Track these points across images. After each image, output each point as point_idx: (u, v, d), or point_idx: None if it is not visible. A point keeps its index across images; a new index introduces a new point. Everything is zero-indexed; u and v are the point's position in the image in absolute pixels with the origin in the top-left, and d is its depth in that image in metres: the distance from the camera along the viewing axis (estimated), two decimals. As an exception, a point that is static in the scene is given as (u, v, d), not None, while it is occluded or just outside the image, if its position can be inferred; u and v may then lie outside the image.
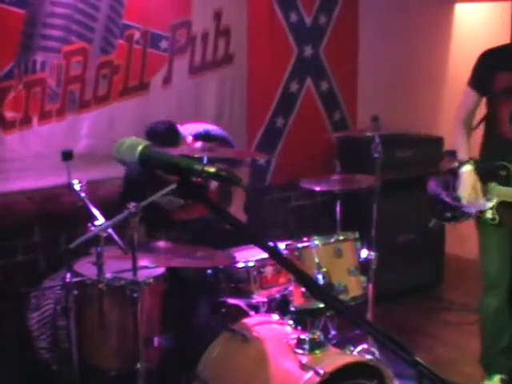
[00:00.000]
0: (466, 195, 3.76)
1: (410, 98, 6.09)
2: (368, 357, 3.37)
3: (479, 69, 3.86)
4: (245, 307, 3.55)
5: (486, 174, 3.78)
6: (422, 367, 1.40)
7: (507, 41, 5.53)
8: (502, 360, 3.99)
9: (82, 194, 3.43)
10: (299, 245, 3.41)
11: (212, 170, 1.38)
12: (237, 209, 4.09)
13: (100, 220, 3.24)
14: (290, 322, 3.43)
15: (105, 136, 4.36)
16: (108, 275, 3.24)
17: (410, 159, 5.52)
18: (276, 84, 5.34)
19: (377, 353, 3.76)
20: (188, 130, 4.05)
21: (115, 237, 3.22)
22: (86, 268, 3.33)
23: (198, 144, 3.27)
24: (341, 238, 3.49)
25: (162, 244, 3.46)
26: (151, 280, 3.32)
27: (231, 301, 3.57)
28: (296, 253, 3.39)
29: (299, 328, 3.36)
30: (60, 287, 3.44)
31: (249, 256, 3.51)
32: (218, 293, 3.57)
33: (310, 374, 2.99)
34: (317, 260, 3.35)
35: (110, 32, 4.46)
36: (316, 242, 3.40)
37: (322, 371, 2.97)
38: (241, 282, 3.47)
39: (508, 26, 5.76)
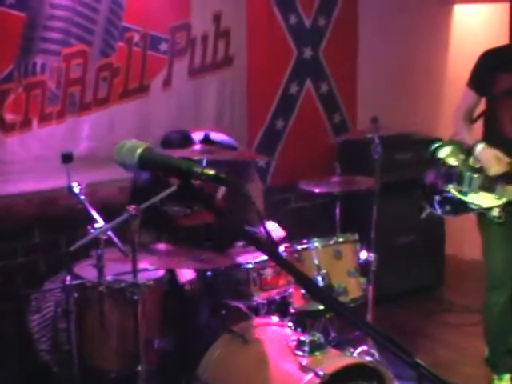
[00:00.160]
0: (496, 169, 3.69)
1: (409, 100, 6.09)
2: (368, 358, 3.37)
3: (479, 69, 3.84)
4: (245, 309, 3.56)
5: None
6: (422, 369, 1.40)
7: (506, 42, 5.55)
8: (510, 359, 3.98)
9: (82, 197, 3.43)
10: (299, 247, 3.42)
11: (211, 172, 1.38)
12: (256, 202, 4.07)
13: (100, 222, 3.24)
14: (290, 323, 3.43)
15: (105, 138, 4.36)
16: (108, 277, 3.24)
17: (410, 161, 5.52)
18: (276, 86, 5.34)
19: (377, 354, 3.76)
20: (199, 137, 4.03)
21: (115, 239, 3.22)
22: (86, 270, 3.33)
23: (198, 147, 3.28)
24: (340, 239, 3.50)
25: (162, 246, 3.46)
26: (151, 282, 3.33)
27: (231, 303, 3.57)
28: (296, 255, 3.40)
29: (299, 330, 3.37)
30: (60, 290, 3.44)
31: (249, 258, 3.51)
32: (218, 295, 3.57)
33: (310, 375, 3.00)
34: (316, 262, 3.36)
35: (109, 34, 4.47)
36: (316, 244, 3.41)
37: (321, 373, 2.97)
38: (241, 284, 3.47)
39: (506, 27, 5.77)
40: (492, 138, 3.83)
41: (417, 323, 5.09)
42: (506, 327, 3.94)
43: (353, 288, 3.44)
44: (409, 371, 1.45)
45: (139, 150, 1.48)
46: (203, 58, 4.90)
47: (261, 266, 3.44)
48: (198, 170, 1.39)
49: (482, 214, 3.80)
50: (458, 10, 6.37)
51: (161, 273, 3.45)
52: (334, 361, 3.12)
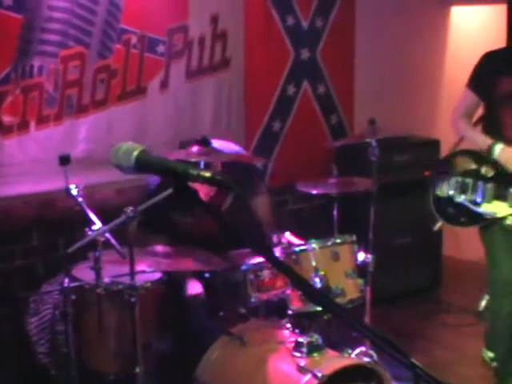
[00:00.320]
0: None
1: (406, 101, 6.10)
2: (366, 359, 3.39)
3: (480, 71, 3.78)
4: (243, 311, 3.56)
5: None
6: (418, 369, 1.41)
7: (503, 43, 5.56)
8: None
9: (80, 199, 3.44)
10: (296, 248, 3.42)
11: (207, 174, 1.39)
12: (264, 215, 4.09)
13: (97, 224, 3.25)
14: (288, 325, 3.44)
15: (103, 140, 4.36)
16: (106, 280, 3.25)
17: (407, 162, 5.53)
18: (273, 87, 5.35)
19: (375, 355, 3.77)
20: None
21: (113, 241, 3.22)
22: (84, 273, 3.33)
23: (195, 148, 3.28)
24: (338, 241, 3.50)
25: (159, 248, 3.46)
26: (149, 284, 3.33)
27: (229, 304, 3.57)
28: (293, 256, 3.40)
29: (297, 331, 3.37)
30: (58, 292, 3.44)
31: (247, 260, 3.51)
32: (216, 296, 3.58)
33: (308, 376, 3.01)
34: (314, 263, 3.36)
35: (107, 36, 4.47)
36: (313, 246, 3.41)
37: (320, 374, 2.98)
38: (238, 286, 3.47)
39: (503, 29, 5.78)
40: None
41: (414, 324, 5.09)
42: None
43: (350, 289, 3.44)
44: (406, 372, 1.46)
45: (135, 153, 1.49)
46: (200, 61, 4.90)
47: (258, 267, 3.45)
48: (194, 172, 1.39)
49: (485, 226, 3.76)
50: (456, 11, 6.38)
51: (158, 275, 3.45)
52: (332, 362, 3.12)
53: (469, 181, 3.77)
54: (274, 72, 5.34)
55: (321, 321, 3.39)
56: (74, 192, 3.46)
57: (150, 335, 3.34)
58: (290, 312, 3.40)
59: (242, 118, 5.20)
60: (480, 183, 3.74)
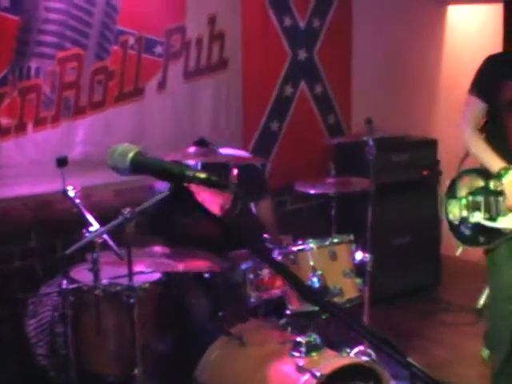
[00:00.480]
0: None
1: (404, 101, 6.11)
2: (364, 358, 3.38)
3: (484, 75, 3.62)
4: (242, 311, 3.56)
5: None
6: (414, 368, 1.41)
7: (500, 42, 5.57)
8: None
9: (77, 201, 3.44)
10: (294, 248, 3.42)
11: (203, 175, 1.39)
12: (267, 218, 4.11)
13: (95, 226, 3.25)
14: (287, 325, 3.44)
15: (100, 142, 4.36)
16: (104, 281, 3.25)
17: (405, 162, 5.53)
18: (270, 88, 5.35)
19: (373, 354, 3.76)
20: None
21: (110, 242, 3.22)
22: (82, 274, 3.33)
23: (192, 149, 3.28)
24: (336, 240, 3.50)
25: (158, 249, 3.47)
26: (147, 285, 3.33)
27: (228, 304, 3.58)
28: (291, 256, 3.40)
29: (296, 331, 3.37)
30: (57, 294, 3.44)
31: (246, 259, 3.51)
32: (216, 296, 3.58)
33: (307, 376, 3.01)
34: (312, 263, 3.37)
35: (104, 38, 4.47)
36: (311, 245, 3.41)
37: (318, 373, 2.98)
38: (238, 285, 3.48)
39: (500, 28, 5.78)
40: (498, 150, 3.59)
41: (413, 323, 5.10)
42: None
43: (348, 289, 3.44)
44: (406, 371, 1.46)
45: (131, 154, 1.49)
46: (198, 61, 4.90)
47: (258, 266, 3.45)
48: (189, 173, 1.39)
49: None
50: (452, 10, 6.39)
51: (157, 275, 3.45)
52: (331, 361, 3.12)
53: (480, 199, 3.63)
54: (272, 72, 5.35)
55: (319, 320, 3.39)
56: (72, 194, 3.46)
57: (149, 336, 3.33)
58: (288, 312, 3.40)
59: (239, 118, 5.20)
60: (491, 199, 3.60)
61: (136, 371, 3.10)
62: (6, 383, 4.03)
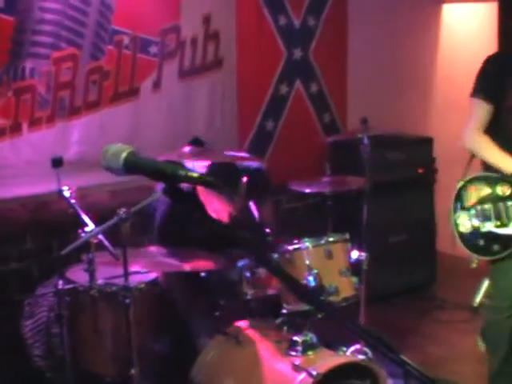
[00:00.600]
0: None
1: (400, 99, 6.11)
2: (361, 357, 3.38)
3: (489, 76, 3.53)
4: (238, 309, 3.56)
5: None
6: (408, 366, 1.41)
7: (495, 40, 5.57)
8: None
9: (73, 201, 3.44)
10: (290, 247, 3.42)
11: (195, 175, 1.39)
12: (267, 217, 4.11)
13: (90, 226, 3.25)
14: (283, 324, 3.44)
15: (95, 142, 4.36)
16: (100, 281, 3.25)
17: (401, 160, 5.53)
18: (266, 87, 5.35)
19: (370, 353, 3.76)
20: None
21: (106, 243, 3.22)
22: (78, 275, 3.33)
23: (187, 148, 3.28)
24: (331, 239, 3.50)
25: (154, 249, 3.47)
26: (143, 285, 3.33)
27: (225, 303, 3.58)
28: (287, 255, 3.41)
29: (292, 330, 3.37)
30: (53, 294, 3.44)
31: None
32: (212, 295, 3.58)
33: (303, 375, 3.01)
34: (308, 262, 3.37)
35: (99, 37, 4.47)
36: (307, 244, 3.41)
37: (314, 372, 2.98)
38: (234, 283, 3.47)
39: (495, 26, 5.79)
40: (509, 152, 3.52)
41: (409, 321, 5.10)
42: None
43: (344, 287, 3.44)
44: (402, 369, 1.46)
45: (124, 154, 1.49)
46: (193, 61, 4.90)
47: (254, 264, 3.45)
48: (182, 172, 1.39)
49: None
50: (447, 9, 6.39)
51: (153, 275, 3.45)
52: (327, 360, 3.13)
53: (488, 207, 3.54)
54: (267, 71, 5.34)
55: (315, 319, 3.39)
56: (67, 194, 3.46)
57: (145, 336, 3.33)
58: (284, 311, 3.40)
59: (235, 117, 5.20)
60: (500, 205, 3.53)
61: (133, 371, 3.09)
62: (4, 383, 4.02)
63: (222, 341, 3.39)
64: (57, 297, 3.19)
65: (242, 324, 3.47)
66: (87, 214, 3.36)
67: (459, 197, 3.65)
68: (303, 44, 5.53)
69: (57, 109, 4.32)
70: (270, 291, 3.50)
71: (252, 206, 4.04)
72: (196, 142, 3.50)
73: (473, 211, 3.58)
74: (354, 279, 3.52)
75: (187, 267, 3.41)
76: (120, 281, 3.11)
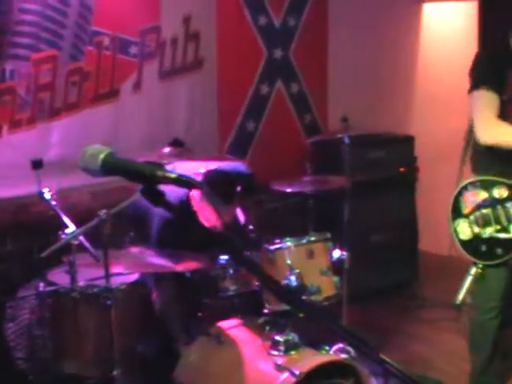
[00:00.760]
0: None
1: (380, 98, 6.13)
2: (344, 356, 3.39)
3: (487, 67, 3.47)
4: (221, 308, 3.56)
5: None
6: (387, 365, 1.42)
7: (475, 39, 5.60)
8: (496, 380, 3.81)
9: (53, 203, 3.43)
10: (271, 247, 3.43)
11: (173, 175, 1.39)
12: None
13: (71, 228, 3.23)
14: (265, 323, 3.44)
15: (76, 144, 4.34)
16: (81, 283, 3.24)
17: (382, 159, 5.54)
18: (246, 87, 5.36)
19: (352, 351, 3.77)
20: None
21: (87, 244, 3.21)
22: (59, 277, 3.32)
23: (167, 149, 3.28)
24: (313, 238, 3.51)
25: (135, 249, 3.46)
26: (124, 286, 3.32)
27: (207, 302, 3.57)
28: (269, 255, 3.41)
29: (274, 330, 3.37)
30: (34, 297, 3.43)
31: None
32: (195, 293, 3.57)
33: (286, 374, 3.01)
34: (289, 261, 3.37)
35: (79, 39, 4.45)
36: (288, 244, 3.42)
37: (297, 372, 2.98)
38: (216, 280, 3.46)
39: (475, 25, 5.82)
40: (501, 153, 3.44)
41: (391, 320, 5.11)
42: (496, 344, 3.73)
43: (326, 287, 3.45)
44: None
45: (101, 155, 1.49)
46: (173, 61, 4.90)
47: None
48: (160, 173, 1.39)
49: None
50: (428, 8, 6.42)
51: (135, 276, 3.44)
52: (310, 359, 3.13)
53: (487, 211, 3.48)
54: (247, 72, 5.35)
55: (297, 319, 3.40)
56: (48, 196, 3.45)
57: (128, 337, 3.32)
58: (266, 311, 3.40)
59: (215, 118, 5.20)
60: (499, 208, 3.46)
61: (115, 373, 3.09)
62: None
63: (204, 341, 3.39)
64: (38, 299, 3.18)
65: (224, 324, 3.46)
66: (68, 216, 3.35)
67: (456, 204, 3.58)
68: (283, 44, 5.54)
69: (37, 110, 4.30)
70: (253, 287, 3.50)
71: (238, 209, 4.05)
72: (176, 143, 3.50)
73: (472, 218, 3.51)
74: (336, 278, 3.53)
75: (170, 268, 3.41)
76: (101, 282, 3.11)
